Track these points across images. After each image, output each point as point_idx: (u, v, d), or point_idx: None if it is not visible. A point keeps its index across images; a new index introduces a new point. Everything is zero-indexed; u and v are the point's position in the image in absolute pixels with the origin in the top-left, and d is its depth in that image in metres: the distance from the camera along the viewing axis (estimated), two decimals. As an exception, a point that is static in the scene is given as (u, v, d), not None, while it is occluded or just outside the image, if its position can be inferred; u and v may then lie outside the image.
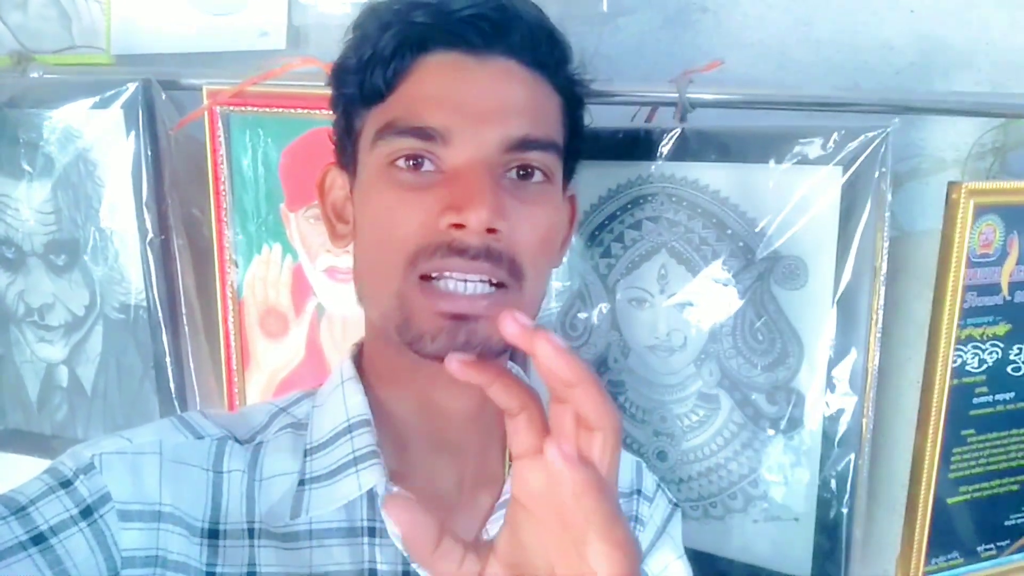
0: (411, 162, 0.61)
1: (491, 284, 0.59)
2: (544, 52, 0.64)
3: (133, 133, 1.02)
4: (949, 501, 0.83)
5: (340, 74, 0.66)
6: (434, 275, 0.59)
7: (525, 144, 0.61)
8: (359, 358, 0.71)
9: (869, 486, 0.84)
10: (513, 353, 0.81)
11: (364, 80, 0.62)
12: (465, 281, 0.59)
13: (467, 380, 0.47)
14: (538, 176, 0.63)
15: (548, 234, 0.63)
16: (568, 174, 0.70)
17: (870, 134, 0.77)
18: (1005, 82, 0.91)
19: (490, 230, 0.58)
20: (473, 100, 0.60)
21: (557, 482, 0.44)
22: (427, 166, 0.61)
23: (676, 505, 0.80)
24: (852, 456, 0.81)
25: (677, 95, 0.85)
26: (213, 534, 0.61)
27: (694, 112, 0.86)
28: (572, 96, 0.68)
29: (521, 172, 0.62)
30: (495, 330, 0.58)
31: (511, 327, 0.44)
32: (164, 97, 1.02)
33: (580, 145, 0.71)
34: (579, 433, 0.45)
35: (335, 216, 0.70)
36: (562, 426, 0.45)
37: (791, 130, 0.81)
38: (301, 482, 0.63)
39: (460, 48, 0.61)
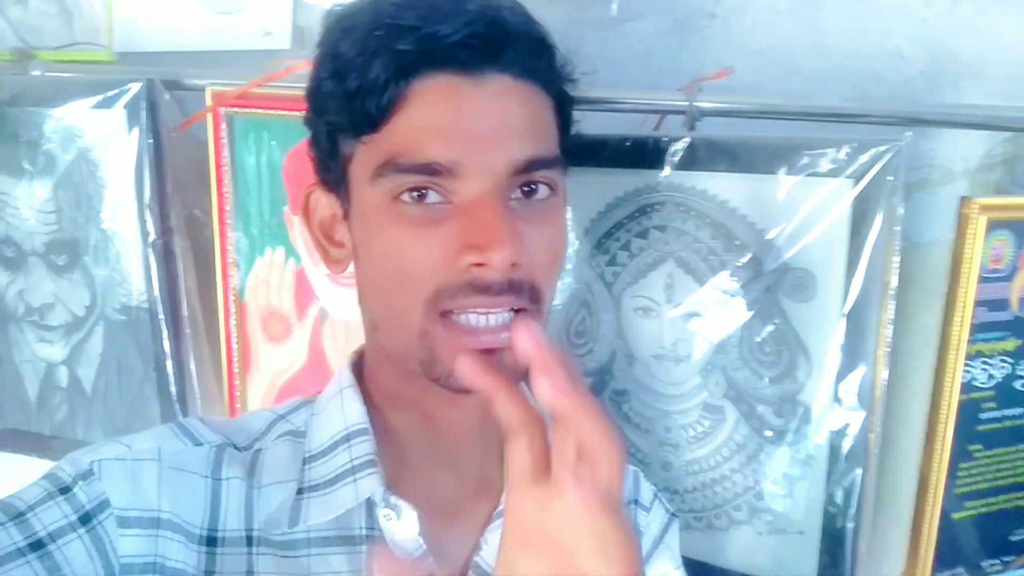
0: (416, 194, 0.59)
1: (511, 311, 0.59)
2: (536, 60, 0.62)
3: (136, 133, 1.01)
4: (955, 516, 0.83)
5: (320, 99, 0.62)
6: (456, 311, 0.58)
7: (531, 165, 0.59)
8: (358, 366, 0.70)
9: (874, 499, 0.84)
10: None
11: (353, 110, 0.60)
12: (487, 315, 0.58)
13: (475, 384, 0.48)
14: (543, 191, 0.61)
15: (560, 249, 0.63)
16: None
17: (882, 147, 0.76)
18: (1016, 93, 0.90)
19: (512, 264, 0.57)
20: (475, 127, 0.58)
21: (549, 515, 0.45)
22: (432, 197, 0.59)
23: (674, 515, 0.79)
24: (859, 471, 0.81)
25: (686, 103, 0.84)
26: (211, 541, 0.61)
27: (702, 120, 0.85)
28: (562, 94, 0.66)
29: (526, 189, 0.61)
30: (518, 359, 0.59)
31: (525, 340, 0.45)
32: (167, 97, 1.01)
33: (571, 141, 0.68)
34: (580, 463, 0.46)
35: (325, 239, 0.68)
36: (564, 451, 0.46)
37: (802, 141, 0.80)
38: (299, 490, 0.63)
39: (453, 70, 0.58)
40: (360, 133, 0.60)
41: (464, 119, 0.58)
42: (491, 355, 0.58)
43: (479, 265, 0.57)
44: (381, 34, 0.58)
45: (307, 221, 0.69)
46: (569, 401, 0.44)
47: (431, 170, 0.58)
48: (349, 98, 0.59)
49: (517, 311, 0.59)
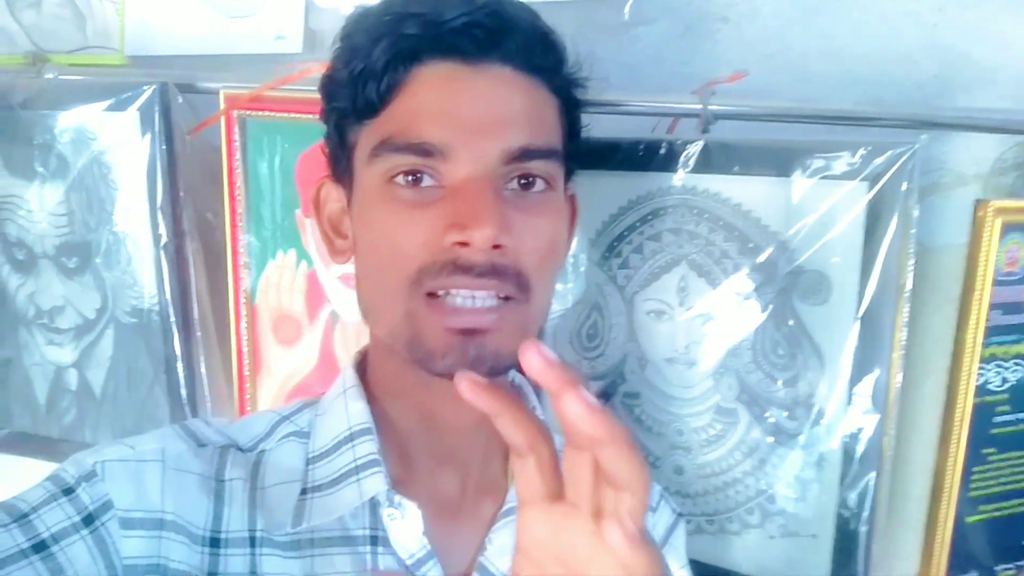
0: (410, 178, 0.60)
1: (498, 297, 0.59)
2: (539, 56, 0.63)
3: (149, 136, 1.01)
4: (968, 520, 0.83)
5: (331, 87, 0.65)
6: (440, 292, 0.59)
7: (525, 154, 0.60)
8: (362, 366, 0.70)
9: (888, 503, 0.84)
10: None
11: (356, 94, 0.61)
12: (472, 297, 0.58)
13: (474, 403, 0.44)
14: (540, 185, 0.62)
15: (552, 243, 0.63)
16: (567, 175, 0.69)
17: (897, 150, 0.76)
18: (1027, 97, 0.90)
19: (495, 246, 0.57)
20: (470, 112, 0.59)
21: (564, 533, 0.44)
22: (427, 181, 0.60)
23: (680, 515, 0.79)
24: (872, 474, 0.80)
25: (700, 107, 0.84)
26: (215, 542, 0.61)
27: (716, 124, 0.85)
28: (569, 97, 0.67)
29: (522, 181, 0.61)
30: (504, 343, 0.59)
31: (535, 362, 0.40)
32: (180, 100, 1.01)
33: (579, 146, 0.70)
34: (599, 488, 0.43)
35: (333, 231, 0.70)
36: (579, 478, 0.43)
37: (816, 144, 0.80)
38: (303, 491, 0.63)
39: (454, 58, 0.60)
40: (362, 117, 0.62)
41: (460, 104, 0.59)
42: (474, 336, 0.58)
43: (462, 244, 0.57)
44: (388, 20, 0.60)
45: (317, 213, 0.71)
46: (603, 429, 0.40)
47: (423, 151, 0.59)
48: (353, 82, 0.61)
49: (503, 299, 0.59)
